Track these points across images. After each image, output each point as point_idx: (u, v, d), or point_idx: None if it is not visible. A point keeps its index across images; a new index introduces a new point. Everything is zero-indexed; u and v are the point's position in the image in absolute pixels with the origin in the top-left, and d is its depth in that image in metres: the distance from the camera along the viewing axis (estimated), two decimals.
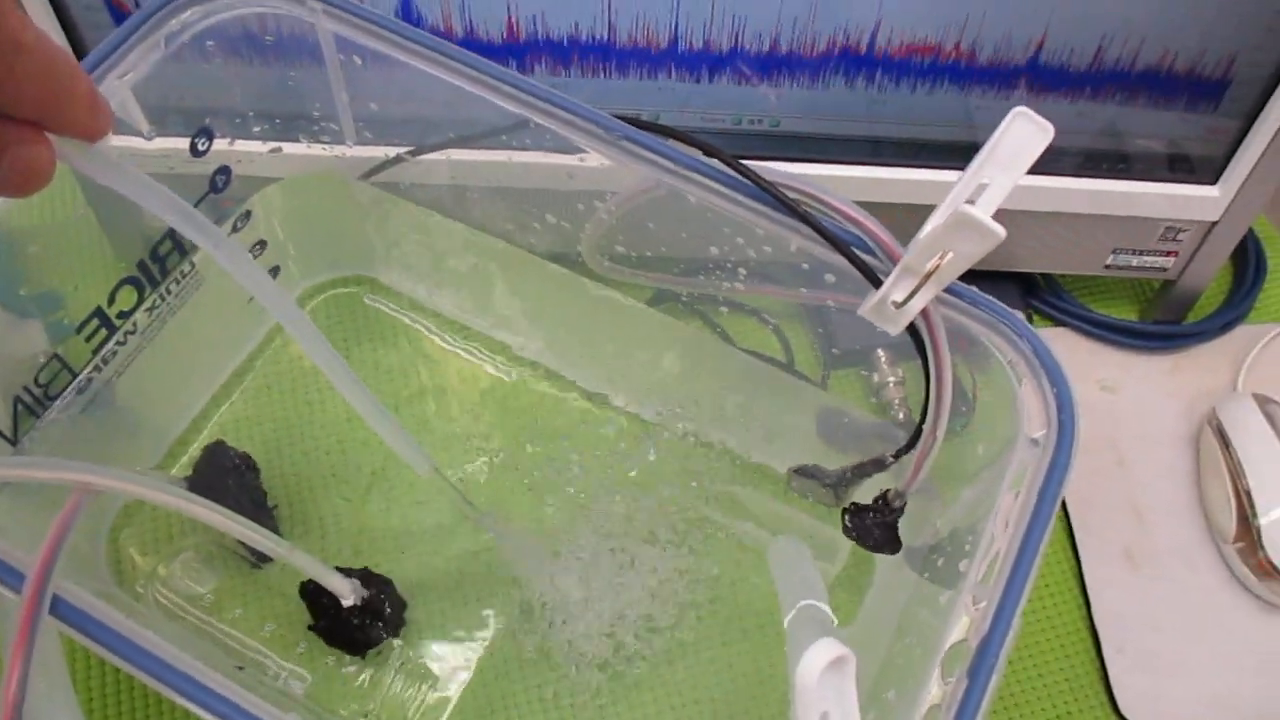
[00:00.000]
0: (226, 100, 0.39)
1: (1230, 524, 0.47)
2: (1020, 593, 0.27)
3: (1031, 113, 0.29)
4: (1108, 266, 0.51)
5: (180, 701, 0.25)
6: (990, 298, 0.31)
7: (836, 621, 0.35)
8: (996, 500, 0.29)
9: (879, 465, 0.38)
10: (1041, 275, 0.54)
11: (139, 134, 0.35)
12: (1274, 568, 0.45)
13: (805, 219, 0.31)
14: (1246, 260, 0.55)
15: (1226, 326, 0.53)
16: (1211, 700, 0.44)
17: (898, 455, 0.37)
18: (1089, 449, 0.49)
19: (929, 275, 0.29)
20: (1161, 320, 0.54)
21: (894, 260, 0.30)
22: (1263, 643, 0.45)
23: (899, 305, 0.30)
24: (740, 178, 0.32)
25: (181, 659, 0.26)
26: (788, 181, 0.31)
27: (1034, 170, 0.46)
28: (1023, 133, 0.29)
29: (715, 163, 0.32)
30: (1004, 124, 0.29)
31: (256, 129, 0.40)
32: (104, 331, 0.37)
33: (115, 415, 0.41)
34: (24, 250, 0.36)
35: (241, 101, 0.39)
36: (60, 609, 0.25)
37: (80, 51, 0.42)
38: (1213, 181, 0.47)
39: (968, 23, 0.41)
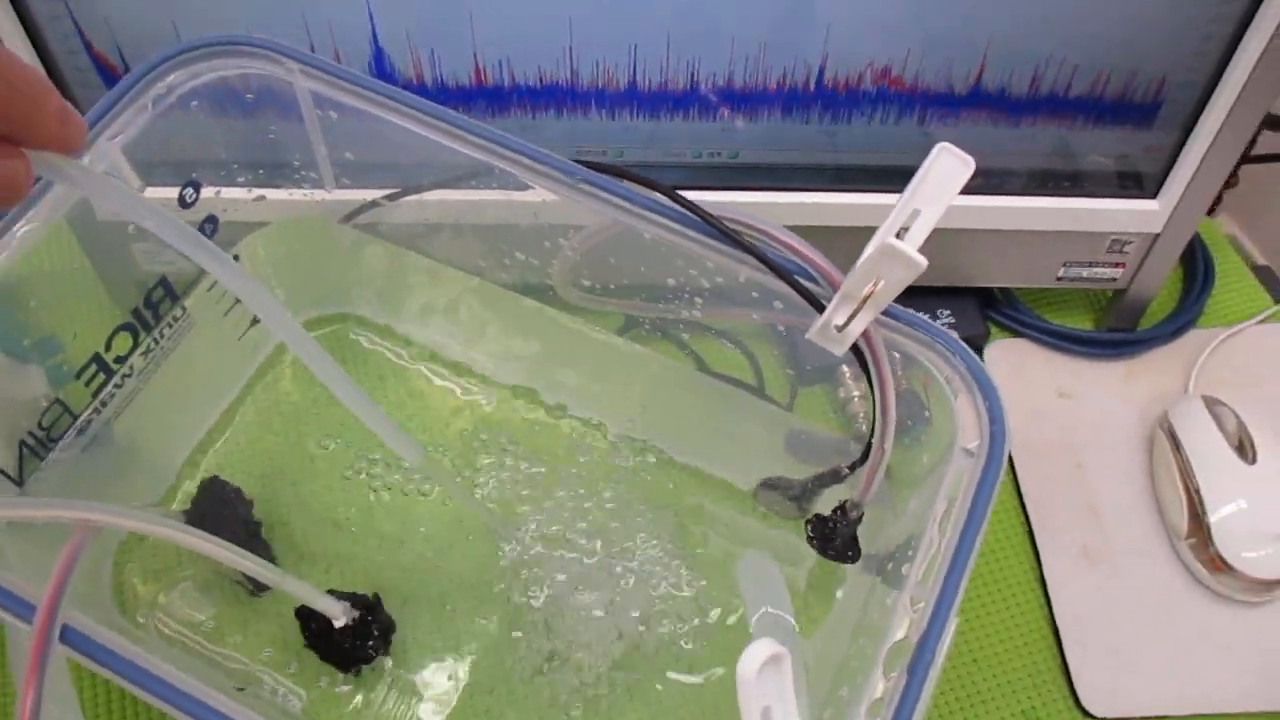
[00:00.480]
0: (212, 153, 0.41)
1: (1182, 521, 0.49)
2: (955, 592, 0.29)
3: (953, 148, 0.31)
4: (1060, 279, 0.53)
5: (175, 714, 0.27)
6: (926, 319, 0.34)
7: (798, 629, 0.37)
8: (933, 507, 0.32)
9: (836, 477, 0.41)
10: (999, 289, 0.56)
11: (127, 186, 0.38)
12: (1224, 563, 0.47)
13: (749, 250, 0.33)
14: (1195, 267, 0.58)
15: (1177, 332, 0.56)
16: (1170, 690, 0.46)
17: (852, 468, 0.39)
18: (1047, 453, 0.52)
19: (865, 300, 0.32)
20: (1115, 328, 0.56)
21: (834, 287, 0.33)
22: (1216, 633, 0.48)
23: (841, 328, 0.33)
24: (688, 213, 0.34)
25: (185, 681, 0.28)
26: (733, 215, 0.34)
27: (983, 190, 0.49)
28: (947, 166, 0.31)
29: (663, 199, 0.34)
30: (929, 159, 0.31)
31: (241, 179, 0.42)
32: (102, 376, 0.40)
33: (114, 454, 0.43)
34: (25, 301, 0.38)
35: (226, 154, 0.42)
36: (69, 637, 0.27)
37: None
38: (1153, 195, 0.49)
39: (909, 56, 0.44)
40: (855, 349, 0.34)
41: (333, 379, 0.32)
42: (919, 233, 0.31)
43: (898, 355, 0.34)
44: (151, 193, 0.39)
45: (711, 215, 0.33)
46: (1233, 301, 0.58)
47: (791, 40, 0.43)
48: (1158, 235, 0.50)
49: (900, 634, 0.29)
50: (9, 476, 0.37)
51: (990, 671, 0.47)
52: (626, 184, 0.35)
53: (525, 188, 0.37)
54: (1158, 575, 0.49)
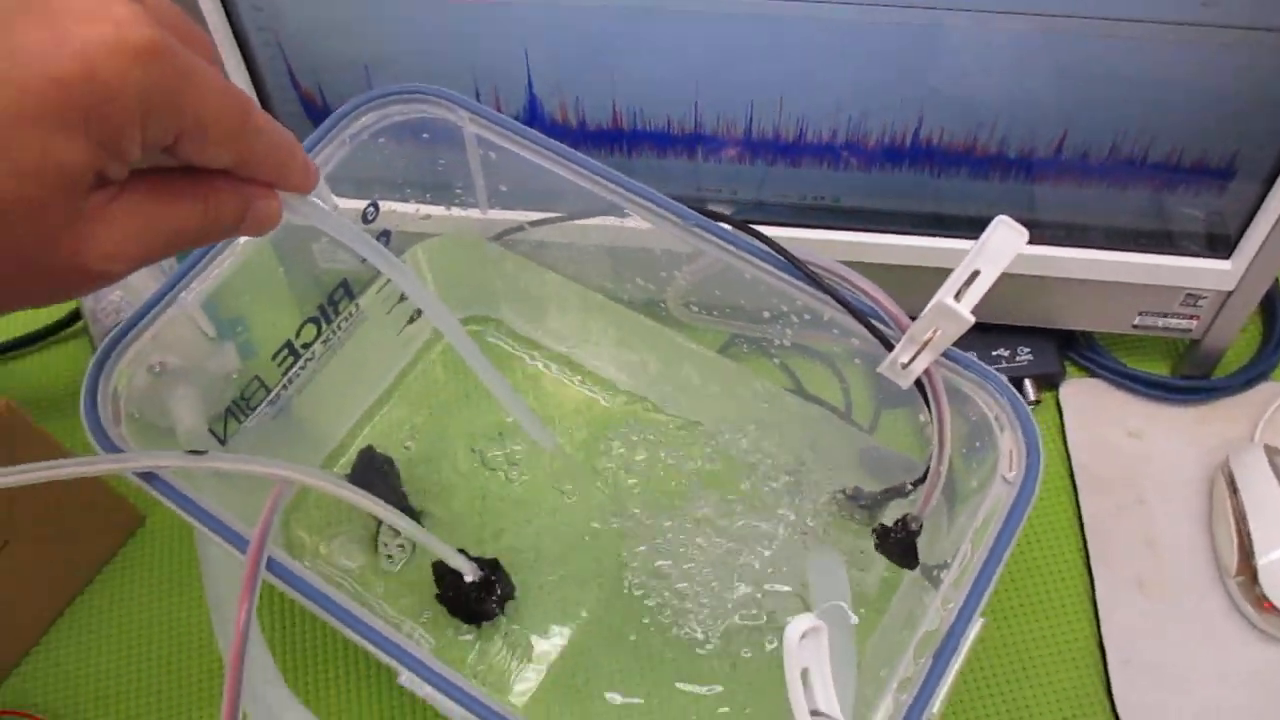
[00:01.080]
0: (390, 177, 0.49)
1: (1233, 561, 0.52)
2: (980, 597, 0.34)
3: (1009, 220, 0.36)
4: (1135, 326, 0.57)
5: (346, 631, 0.35)
6: (979, 362, 0.39)
7: (856, 620, 0.43)
8: (973, 524, 0.37)
9: (901, 493, 0.46)
10: (1080, 331, 0.61)
11: (327, 207, 0.46)
12: (1270, 603, 0.51)
13: (830, 291, 0.39)
14: (1274, 321, 0.61)
15: (1250, 383, 0.59)
16: (1205, 714, 0.50)
17: (915, 485, 0.44)
18: (1112, 487, 0.56)
19: (926, 344, 0.37)
20: (1189, 375, 0.59)
21: (901, 329, 0.38)
22: (1257, 668, 0.51)
23: (906, 365, 0.39)
24: (781, 256, 0.40)
25: (351, 604, 0.36)
26: (817, 260, 0.40)
27: (1064, 242, 0.54)
28: (1004, 236, 0.36)
29: (759, 244, 0.41)
30: (989, 229, 0.37)
31: (413, 199, 0.51)
32: (291, 358, 0.48)
33: (293, 424, 0.51)
34: (234, 294, 0.47)
35: (401, 179, 0.49)
36: (271, 566, 0.35)
37: None
38: (1226, 256, 0.53)
39: (996, 123, 0.49)
40: (919, 384, 0.39)
41: (484, 371, 0.40)
42: (976, 293, 0.36)
43: (958, 390, 0.40)
44: (339, 205, 0.48)
45: (798, 259, 0.39)
46: None
47: (891, 105, 0.49)
48: (1230, 293, 0.54)
49: (931, 627, 0.35)
50: (216, 435, 0.46)
51: (1036, 682, 0.51)
52: (729, 228, 0.41)
53: (645, 224, 0.44)
54: (1206, 609, 0.53)
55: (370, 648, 0.35)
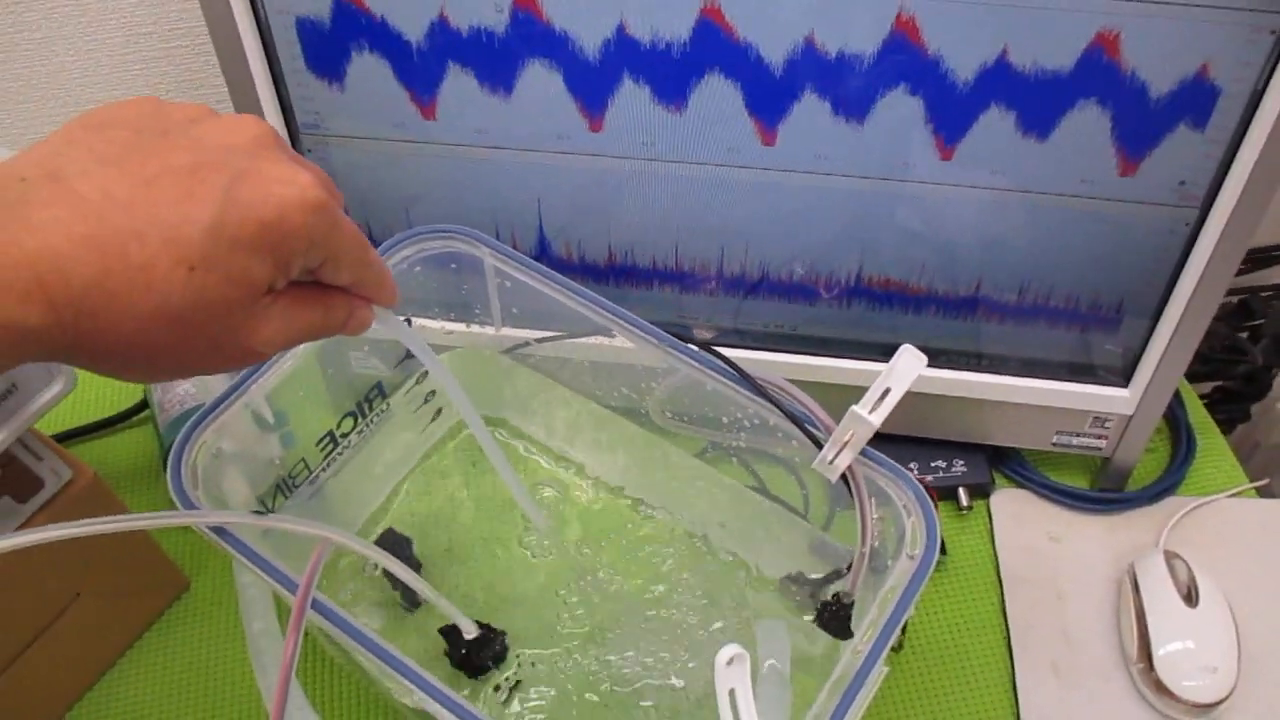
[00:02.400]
0: (423, 298, 0.59)
1: (1135, 650, 0.60)
2: (883, 648, 0.43)
3: (913, 349, 0.46)
4: (1054, 443, 0.66)
5: (372, 659, 0.43)
6: (892, 462, 0.48)
7: (789, 674, 0.51)
8: (881, 593, 0.46)
9: (838, 575, 0.55)
10: (1008, 447, 0.70)
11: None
12: (1165, 689, 0.58)
13: (772, 400, 0.49)
14: (1180, 442, 0.70)
15: (1157, 496, 0.68)
16: None
17: (848, 568, 0.53)
18: (1033, 583, 0.64)
19: (845, 444, 0.46)
20: (1104, 488, 0.68)
21: (828, 432, 0.48)
22: None
23: (831, 462, 0.48)
24: (733, 370, 0.50)
25: (380, 639, 0.44)
26: (764, 376, 0.49)
27: (987, 369, 0.63)
28: (908, 361, 0.46)
29: (718, 361, 0.50)
30: (896, 355, 0.46)
31: (439, 317, 0.61)
32: (332, 445, 0.58)
33: (326, 503, 0.60)
34: (280, 395, 0.56)
35: (432, 300, 0.60)
36: (316, 605, 0.44)
37: None
38: (1125, 384, 0.63)
39: (923, 270, 0.59)
40: (844, 479, 0.48)
41: (496, 457, 0.49)
42: (887, 405, 0.46)
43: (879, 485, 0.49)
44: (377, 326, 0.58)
45: (746, 373, 0.49)
46: (1211, 474, 0.69)
47: (836, 251, 0.60)
48: (1131, 415, 0.63)
49: (843, 673, 0.43)
50: (265, 506, 0.55)
51: None
52: (694, 348, 0.51)
53: (629, 343, 0.53)
54: (1112, 693, 0.60)
55: (392, 671, 0.43)
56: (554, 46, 0.53)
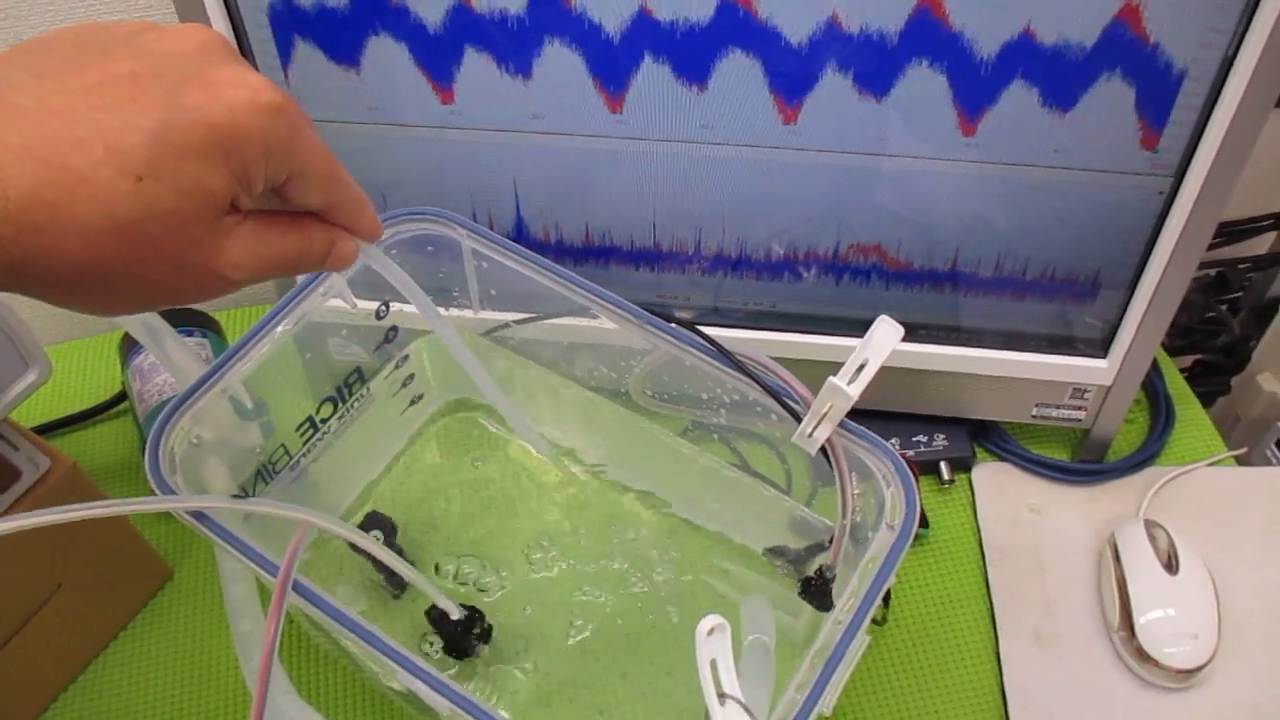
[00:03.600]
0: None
1: (1116, 619, 0.61)
2: (864, 618, 0.43)
3: (890, 320, 0.46)
4: (1034, 416, 0.67)
5: (358, 642, 0.43)
6: (871, 433, 0.48)
7: (774, 647, 0.51)
8: (862, 564, 0.46)
9: (821, 548, 0.55)
10: (989, 421, 0.70)
11: (349, 305, 0.55)
12: (1146, 655, 0.59)
13: (750, 375, 0.49)
14: (1158, 412, 0.70)
15: (1137, 466, 0.68)
16: None
17: (830, 541, 0.53)
18: (1015, 555, 0.65)
19: (824, 416, 0.47)
20: (1084, 459, 0.69)
21: (808, 406, 0.48)
22: (1137, 710, 0.59)
23: (810, 434, 0.48)
24: (711, 347, 0.50)
25: (360, 619, 0.44)
26: (743, 351, 0.49)
27: (965, 343, 0.63)
28: (884, 332, 0.46)
29: (696, 337, 0.50)
30: (873, 326, 0.46)
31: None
32: (311, 430, 0.57)
33: (308, 488, 0.60)
34: (258, 382, 0.56)
35: None
36: (297, 587, 0.44)
37: None
38: (1102, 355, 0.63)
39: (901, 244, 0.59)
40: (824, 452, 0.49)
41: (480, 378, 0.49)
42: (865, 376, 0.46)
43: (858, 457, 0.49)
44: (358, 305, 0.57)
45: (726, 349, 0.49)
46: (1191, 444, 0.70)
47: (812, 228, 0.60)
48: (1110, 386, 0.64)
49: (826, 643, 0.43)
50: (246, 493, 0.55)
51: None
52: (674, 325, 0.51)
53: (608, 323, 0.53)
54: (1095, 660, 0.61)
55: (374, 652, 0.43)
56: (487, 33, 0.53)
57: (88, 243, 0.28)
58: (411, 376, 0.64)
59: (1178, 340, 0.87)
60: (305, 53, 0.56)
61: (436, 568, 0.61)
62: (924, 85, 0.52)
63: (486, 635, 0.57)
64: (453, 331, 0.48)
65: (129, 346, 0.70)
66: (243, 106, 0.30)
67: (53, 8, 0.65)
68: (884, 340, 0.46)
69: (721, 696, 0.38)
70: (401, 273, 0.44)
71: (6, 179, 0.27)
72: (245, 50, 0.55)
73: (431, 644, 0.57)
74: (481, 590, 0.60)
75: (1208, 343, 0.90)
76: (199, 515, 0.46)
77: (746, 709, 0.37)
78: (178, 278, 0.31)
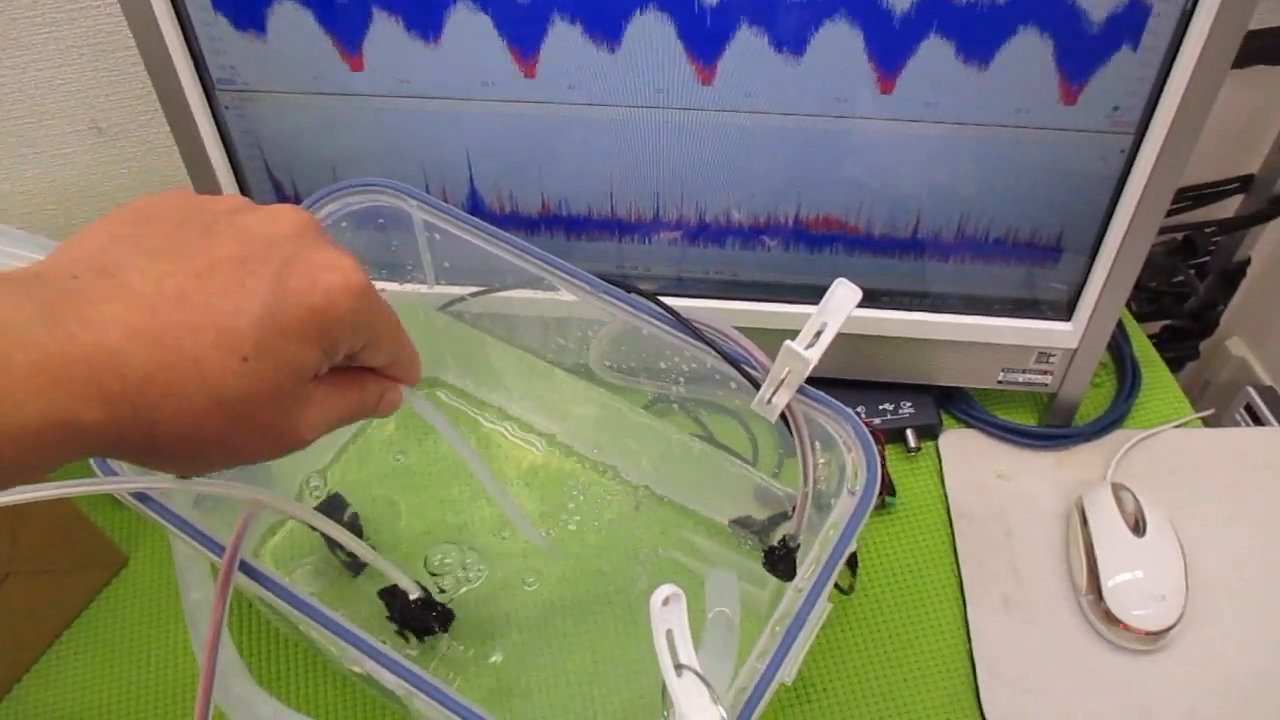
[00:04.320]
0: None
1: (1084, 582, 0.60)
2: (825, 585, 0.42)
3: (847, 282, 0.45)
4: (1000, 381, 0.66)
5: (314, 626, 0.42)
6: (830, 398, 0.47)
7: (738, 620, 0.51)
8: (823, 530, 0.45)
9: (785, 518, 0.54)
10: (956, 387, 0.69)
11: None
12: (1114, 618, 0.59)
13: (708, 342, 0.48)
14: (1125, 376, 0.70)
15: (1103, 430, 0.68)
16: (1063, 715, 0.57)
17: (793, 510, 0.52)
18: (982, 521, 0.64)
19: (782, 381, 0.46)
20: (1051, 424, 0.68)
21: (766, 372, 0.47)
22: (1107, 674, 0.59)
23: (769, 401, 0.47)
24: (668, 315, 0.49)
25: (310, 598, 0.43)
26: (700, 319, 0.48)
27: (928, 309, 0.62)
28: (843, 294, 0.45)
29: (653, 305, 0.49)
30: (831, 288, 0.45)
31: (369, 275, 0.59)
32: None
33: (263, 469, 0.59)
34: None
35: (361, 258, 0.57)
36: (244, 567, 0.43)
37: None
38: (1068, 318, 0.62)
39: (861, 208, 0.59)
40: (784, 419, 0.48)
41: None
42: (824, 340, 0.45)
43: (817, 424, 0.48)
44: None
45: (683, 317, 0.48)
46: (1158, 407, 0.70)
47: (772, 192, 0.59)
48: (1075, 350, 0.63)
49: (787, 609, 0.43)
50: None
51: (915, 691, 0.58)
52: (632, 295, 0.50)
53: (565, 293, 0.52)
54: (1063, 624, 0.60)
55: (326, 632, 0.42)
56: None
57: (194, 420, 0.30)
58: None
59: (1146, 306, 0.87)
60: (224, 18, 0.54)
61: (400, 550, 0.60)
62: (839, 41, 0.51)
63: (447, 616, 0.56)
64: (485, 468, 0.50)
65: None
66: (338, 290, 0.32)
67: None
68: (842, 303, 0.45)
69: (678, 668, 0.37)
70: (437, 412, 0.46)
71: (126, 361, 0.28)
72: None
73: (391, 621, 0.56)
74: (442, 571, 0.59)
75: (1176, 307, 0.89)
76: (142, 497, 0.44)
77: (704, 679, 0.36)
78: (264, 443, 0.33)
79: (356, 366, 0.37)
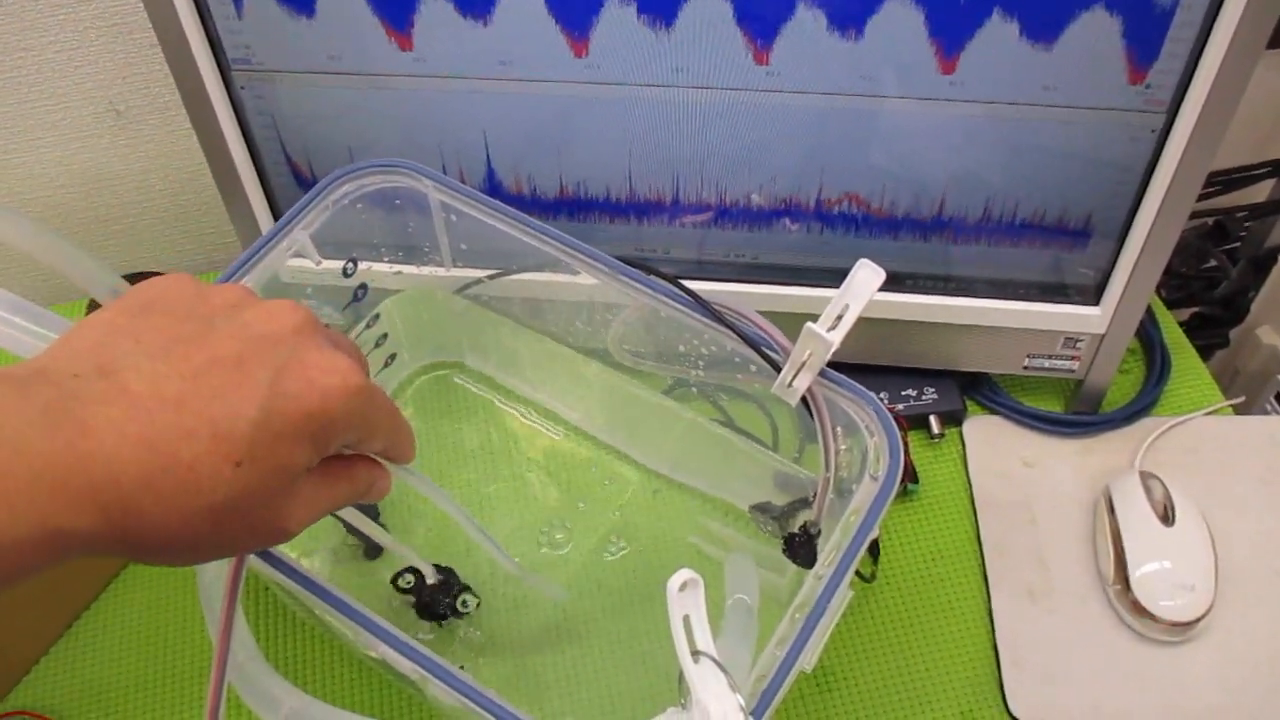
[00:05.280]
0: (366, 238, 0.57)
1: (1111, 572, 0.59)
2: (845, 572, 0.41)
3: (870, 263, 0.44)
4: (1026, 367, 0.65)
5: (329, 609, 0.42)
6: (853, 381, 0.46)
7: (757, 606, 0.50)
8: (844, 517, 0.44)
9: (805, 503, 0.53)
10: (980, 373, 0.68)
11: (313, 263, 0.53)
12: (1142, 609, 0.57)
13: (727, 324, 0.47)
14: (1154, 362, 0.69)
15: (1132, 417, 0.66)
16: (1088, 707, 0.56)
17: (813, 496, 0.51)
18: (1007, 509, 0.63)
19: (803, 364, 0.45)
20: (1078, 410, 0.67)
21: (786, 355, 0.46)
22: (1133, 665, 0.57)
23: (790, 384, 0.46)
24: (688, 297, 0.48)
25: (329, 585, 0.42)
26: (720, 302, 0.48)
27: (953, 293, 0.61)
28: (865, 276, 0.44)
29: (672, 288, 0.48)
30: (853, 270, 0.44)
31: (385, 257, 0.58)
32: None
33: None
34: None
35: (376, 239, 0.57)
36: (266, 556, 0.42)
37: (274, 206, 0.62)
38: (1096, 303, 0.61)
39: (884, 189, 0.57)
40: (805, 402, 0.47)
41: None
42: (846, 322, 0.44)
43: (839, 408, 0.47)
44: (326, 265, 0.55)
45: (702, 299, 0.47)
46: (1187, 394, 0.68)
47: (794, 173, 0.57)
48: (1103, 335, 0.62)
49: (807, 596, 0.42)
50: None
51: (938, 681, 0.58)
52: (651, 277, 0.49)
53: (583, 274, 0.52)
54: (1089, 614, 0.59)
55: (341, 615, 0.41)
56: None
57: (182, 522, 0.30)
58: (385, 336, 0.62)
59: (1175, 292, 0.86)
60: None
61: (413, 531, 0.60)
62: (900, 20, 0.50)
63: (462, 598, 0.55)
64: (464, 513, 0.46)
65: (94, 310, 0.68)
66: (336, 393, 0.32)
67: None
68: (864, 285, 0.44)
69: (695, 654, 0.36)
70: (430, 484, 0.43)
71: (123, 468, 0.28)
72: None
73: (411, 607, 0.56)
74: (463, 553, 0.59)
75: (1206, 294, 0.88)
76: None
77: (720, 666, 0.36)
78: (250, 539, 0.33)
79: (348, 454, 0.37)
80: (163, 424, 0.29)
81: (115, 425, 0.28)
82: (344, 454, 0.36)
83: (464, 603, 0.55)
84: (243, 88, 0.57)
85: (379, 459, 0.38)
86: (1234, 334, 0.93)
